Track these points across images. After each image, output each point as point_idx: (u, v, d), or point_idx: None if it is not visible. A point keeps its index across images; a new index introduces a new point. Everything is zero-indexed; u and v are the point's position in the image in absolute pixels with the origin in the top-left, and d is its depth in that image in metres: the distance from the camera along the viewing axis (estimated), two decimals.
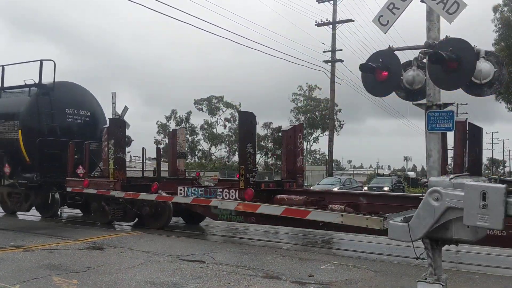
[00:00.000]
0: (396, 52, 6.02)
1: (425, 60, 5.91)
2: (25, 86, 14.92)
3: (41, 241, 10.24)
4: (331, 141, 33.33)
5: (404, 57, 6.29)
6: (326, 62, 33.22)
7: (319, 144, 63.78)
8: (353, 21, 32.75)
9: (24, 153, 14.40)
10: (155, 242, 10.42)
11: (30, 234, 11.27)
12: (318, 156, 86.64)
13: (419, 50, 5.92)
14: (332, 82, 33.00)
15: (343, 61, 33.30)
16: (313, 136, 59.41)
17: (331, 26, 32.94)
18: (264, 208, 10.01)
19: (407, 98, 6.44)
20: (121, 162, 13.21)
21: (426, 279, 4.74)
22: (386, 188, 31.63)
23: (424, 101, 6.22)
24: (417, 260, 5.35)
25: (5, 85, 15.89)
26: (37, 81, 14.76)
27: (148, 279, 6.92)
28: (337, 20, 32.84)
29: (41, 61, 14.74)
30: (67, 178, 14.10)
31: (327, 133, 42.12)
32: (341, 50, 33.54)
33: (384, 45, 6.31)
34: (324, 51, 33.45)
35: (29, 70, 15.92)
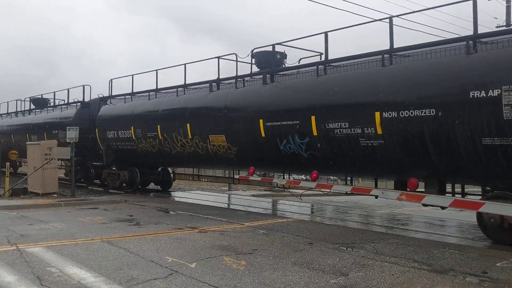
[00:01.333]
0: None
1: None
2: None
3: (213, 223, 11.17)
4: None
5: None
6: None
7: None
8: None
9: None
10: (315, 229, 10.59)
11: (203, 217, 12.38)
12: None
13: None
14: None
15: None
16: None
17: None
18: (430, 199, 9.46)
19: None
20: None
21: None
22: None
23: None
24: None
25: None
26: None
27: (309, 265, 7.07)
28: None
29: None
30: None
31: None
32: None
33: None
34: (497, 27, 30.07)
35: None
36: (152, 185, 22.08)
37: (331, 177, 23.36)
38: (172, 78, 18.90)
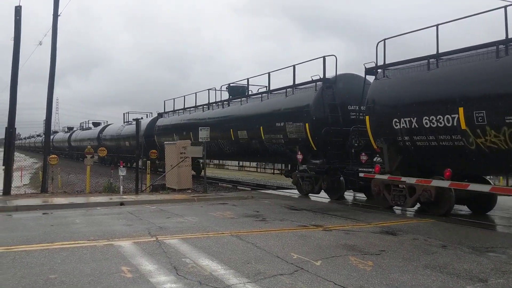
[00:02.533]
0: None
1: None
2: None
3: (338, 222, 11.04)
4: None
5: None
6: None
7: None
8: None
9: None
10: (448, 231, 9.92)
11: (328, 215, 12.29)
12: None
13: None
14: None
15: None
16: None
17: None
18: None
19: None
20: None
21: None
22: None
23: None
24: None
25: None
26: None
27: (443, 269, 6.63)
28: None
29: None
30: None
31: None
32: None
33: None
34: None
35: None
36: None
37: None
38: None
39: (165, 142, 22.59)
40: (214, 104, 24.25)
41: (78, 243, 8.32)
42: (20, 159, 53.09)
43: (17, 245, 8.09)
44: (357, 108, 15.79)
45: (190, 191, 18.69)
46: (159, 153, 25.50)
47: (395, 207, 13.76)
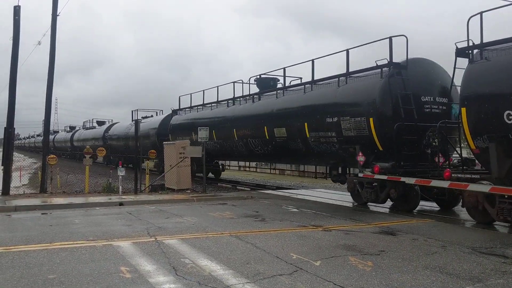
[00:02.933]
0: None
1: None
2: None
3: (337, 222, 11.03)
4: None
5: None
6: None
7: None
8: None
9: None
10: (448, 231, 9.91)
11: (327, 215, 12.28)
12: None
13: None
14: None
15: None
16: None
17: None
18: None
19: None
20: None
21: None
22: None
23: None
24: None
25: None
26: None
27: (442, 269, 6.62)
28: None
29: None
30: None
31: None
32: None
33: None
34: None
35: None
36: None
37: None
38: None
39: (164, 143, 22.52)
40: (241, 99, 21.48)
41: (77, 243, 8.30)
42: (19, 159, 53.09)
43: (16, 245, 8.07)
44: (431, 99, 13.59)
45: (189, 191, 18.67)
46: None
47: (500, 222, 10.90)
